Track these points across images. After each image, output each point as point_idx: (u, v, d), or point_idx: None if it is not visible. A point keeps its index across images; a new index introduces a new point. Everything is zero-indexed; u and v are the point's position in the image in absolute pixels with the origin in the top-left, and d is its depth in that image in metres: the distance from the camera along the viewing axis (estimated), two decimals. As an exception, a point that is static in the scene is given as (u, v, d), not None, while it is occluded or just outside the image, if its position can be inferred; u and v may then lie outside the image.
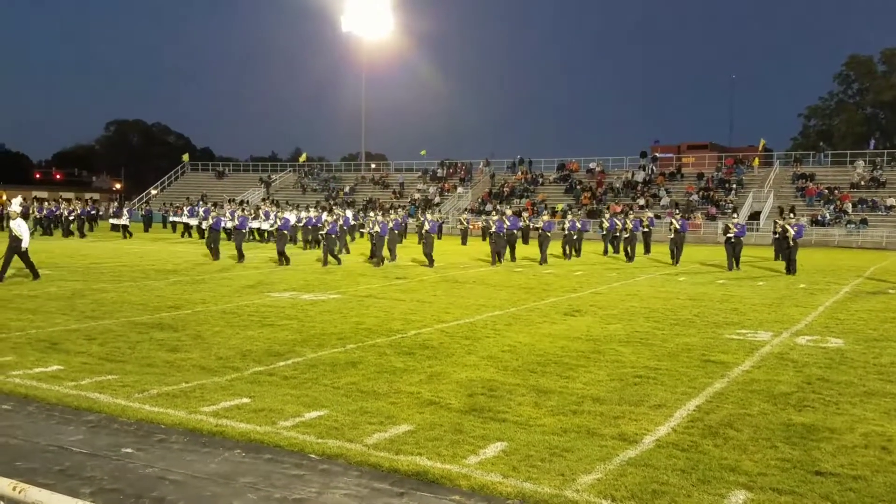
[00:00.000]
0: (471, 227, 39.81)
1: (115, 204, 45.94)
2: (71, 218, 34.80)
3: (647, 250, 28.37)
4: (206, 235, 22.60)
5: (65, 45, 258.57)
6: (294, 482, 4.80)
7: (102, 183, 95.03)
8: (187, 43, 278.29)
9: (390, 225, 23.45)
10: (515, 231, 24.97)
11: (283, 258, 20.65)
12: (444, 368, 8.04)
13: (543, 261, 23.06)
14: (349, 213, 32.28)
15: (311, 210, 28.41)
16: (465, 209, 49.35)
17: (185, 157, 69.89)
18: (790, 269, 20.21)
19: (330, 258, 21.07)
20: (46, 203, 38.55)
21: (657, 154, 56.32)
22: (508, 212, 26.70)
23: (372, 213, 26.63)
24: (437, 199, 53.71)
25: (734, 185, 47.67)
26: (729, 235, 21.79)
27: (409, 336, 10.02)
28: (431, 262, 21.03)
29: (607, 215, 31.95)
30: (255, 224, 31.86)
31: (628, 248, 25.16)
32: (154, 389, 6.93)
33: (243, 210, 24.20)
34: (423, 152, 63.32)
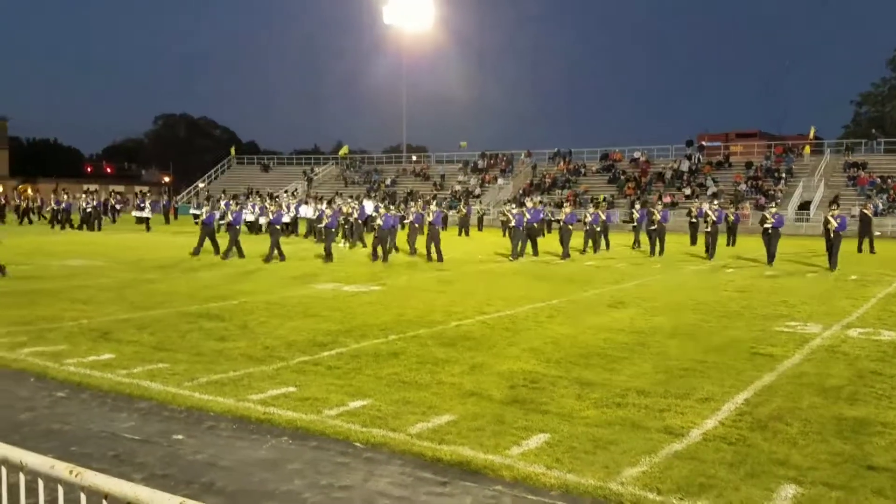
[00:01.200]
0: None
1: (139, 197, 45.43)
2: (88, 210, 33.60)
3: (693, 241, 27.62)
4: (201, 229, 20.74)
5: (112, 41, 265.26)
6: (340, 469, 4.87)
7: (151, 176, 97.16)
8: (230, 37, 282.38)
9: (430, 218, 22.92)
10: (536, 224, 23.62)
11: (275, 252, 19.04)
12: (485, 360, 8.05)
13: (565, 255, 21.65)
14: (368, 204, 30.94)
15: (337, 202, 28.09)
16: (506, 200, 49.16)
17: (232, 150, 71.07)
18: (831, 263, 18.67)
19: (327, 253, 19.64)
20: (66, 195, 37.54)
21: (704, 143, 55.22)
22: (529, 204, 25.01)
23: (413, 204, 25.53)
24: (477, 191, 53.63)
25: (783, 175, 46.49)
26: (766, 226, 20.11)
27: (451, 327, 10.04)
28: (440, 256, 19.88)
29: (637, 206, 29.92)
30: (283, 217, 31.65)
31: (656, 240, 23.31)
32: (203, 378, 7.10)
33: (237, 204, 22.58)
34: (462, 144, 63.28)
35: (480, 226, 41.29)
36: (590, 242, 24.58)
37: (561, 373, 7.47)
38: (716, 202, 24.88)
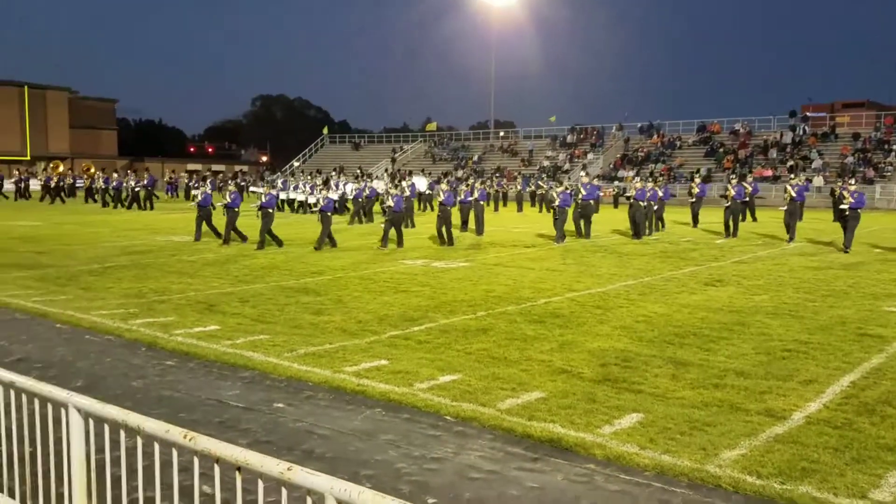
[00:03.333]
0: (602, 194, 38.87)
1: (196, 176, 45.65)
2: (137, 189, 32.97)
3: (754, 217, 25.72)
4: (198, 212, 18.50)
5: (213, 27, 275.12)
6: (431, 442, 4.97)
7: (250, 156, 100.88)
8: (323, 20, 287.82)
9: (475, 195, 21.85)
10: (592, 202, 21.06)
11: (272, 238, 17.27)
12: (575, 337, 7.98)
13: (636, 235, 20.07)
14: (378, 185, 29.84)
15: (369, 181, 27.43)
16: (596, 176, 48.19)
17: (325, 130, 72.71)
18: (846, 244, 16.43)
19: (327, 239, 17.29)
20: (115, 174, 38.17)
21: (808, 113, 52.20)
22: (585, 179, 21.93)
23: (443, 185, 22.43)
24: (566, 166, 52.80)
25: (895, 146, 43.41)
26: (843, 207, 16.96)
27: (539, 304, 10.00)
28: (451, 239, 18.00)
29: (697, 180, 26.83)
30: (301, 196, 30.87)
31: (729, 221, 20.47)
32: (301, 349, 7.38)
33: (237, 186, 20.79)
34: (552, 119, 62.27)
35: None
36: (638, 221, 21.02)
37: (654, 352, 7.32)
38: (852, 183, 22.52)
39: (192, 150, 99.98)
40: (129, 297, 10.35)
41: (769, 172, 43.62)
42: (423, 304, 9.90)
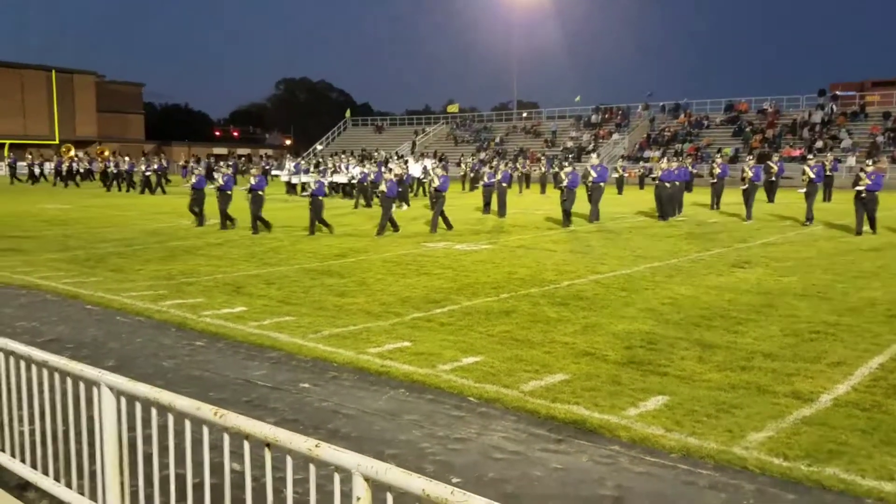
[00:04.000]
0: (627, 175, 38.45)
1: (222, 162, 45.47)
2: (147, 173, 32.55)
3: (772, 199, 24.90)
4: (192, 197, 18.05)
5: (236, 11, 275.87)
6: (455, 422, 5.00)
7: (274, 140, 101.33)
8: (342, 2, 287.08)
9: (498, 177, 21.54)
10: (602, 184, 19.79)
11: (263, 222, 16.75)
12: (599, 320, 7.95)
13: (661, 216, 19.68)
14: (415, 169, 29.39)
15: (369, 165, 26.87)
16: (621, 156, 47.72)
17: (348, 112, 72.75)
18: (871, 226, 15.97)
19: (318, 224, 16.57)
20: (127, 158, 37.87)
21: (838, 92, 51.08)
22: (595, 160, 20.78)
23: (438, 169, 20.44)
24: (590, 147, 52.33)
25: (929, 125, 42.38)
26: (859, 188, 15.83)
27: (563, 287, 9.96)
28: (435, 226, 17.02)
29: (719, 160, 25.28)
30: (335, 178, 29.93)
31: (747, 203, 19.51)
32: (326, 331, 7.44)
33: (228, 167, 19.67)
34: (577, 98, 61.73)
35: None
36: (661, 203, 20.36)
37: (681, 334, 7.27)
38: (750, 160, 21.81)
39: (217, 133, 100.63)
40: (158, 279, 10.50)
41: (798, 152, 42.85)
42: (446, 287, 9.92)
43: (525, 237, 16.08)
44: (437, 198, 17.22)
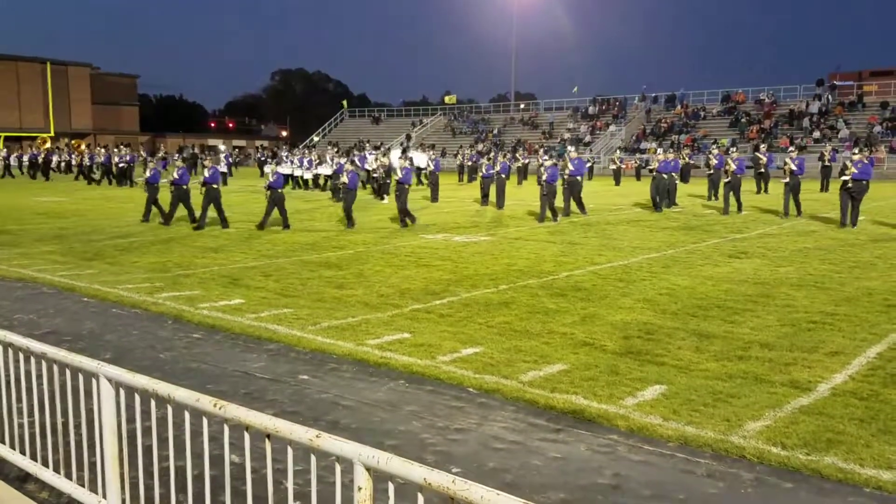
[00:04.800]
0: (624, 166, 38.44)
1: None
2: (121, 165, 32.31)
3: (766, 189, 24.91)
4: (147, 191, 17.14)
5: (229, 0, 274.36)
6: (455, 413, 5.00)
7: (270, 131, 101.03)
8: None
9: (497, 168, 21.19)
10: (579, 178, 19.12)
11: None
12: (597, 310, 7.96)
13: (657, 207, 19.59)
14: (421, 159, 29.05)
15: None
16: (618, 148, 47.68)
17: (344, 104, 72.53)
18: (852, 217, 15.46)
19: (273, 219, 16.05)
20: (104, 149, 37.63)
21: (836, 82, 51.08)
22: (573, 153, 19.65)
23: (403, 161, 18.88)
24: (587, 138, 52.27)
25: (927, 115, 42.39)
26: (845, 178, 15.40)
27: (561, 278, 9.97)
28: (404, 220, 16.45)
29: (715, 151, 25.05)
30: (319, 170, 29.90)
31: (729, 195, 18.99)
32: (325, 322, 7.44)
33: (184, 161, 19.12)
34: (575, 89, 61.58)
35: (590, 175, 40.36)
36: (657, 195, 20.35)
37: (678, 324, 7.28)
38: (734, 151, 21.61)
39: (212, 125, 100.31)
40: (155, 272, 10.48)
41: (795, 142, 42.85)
42: (445, 278, 9.92)
43: (523, 229, 16.07)
44: (401, 191, 16.49)
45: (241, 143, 77.33)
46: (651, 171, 21.23)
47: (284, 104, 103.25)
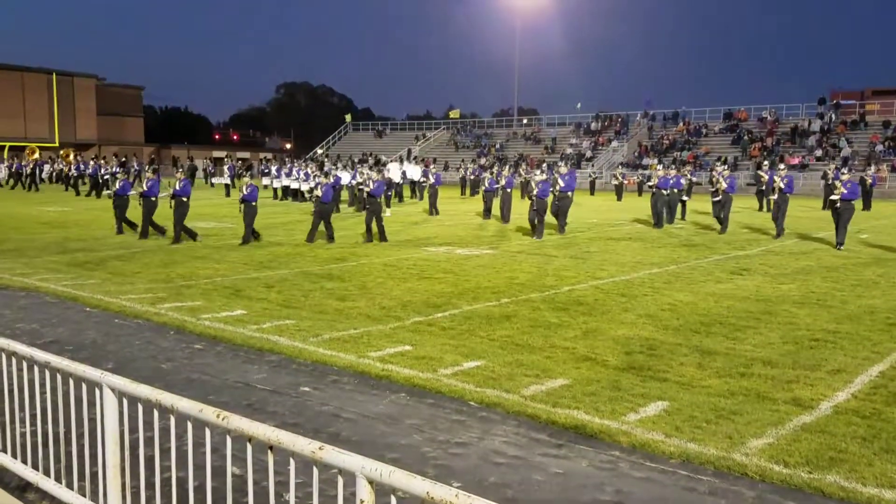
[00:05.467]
0: (626, 182, 38.52)
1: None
2: (105, 177, 32.01)
3: (767, 207, 24.08)
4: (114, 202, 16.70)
5: (237, 13, 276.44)
6: (456, 427, 4.99)
7: (274, 144, 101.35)
8: (342, 6, 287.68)
9: (502, 182, 21.16)
10: (570, 193, 18.37)
11: (186, 231, 15.60)
12: (599, 325, 7.95)
13: (657, 224, 19.52)
14: (414, 172, 29.01)
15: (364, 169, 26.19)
16: (620, 164, 47.79)
17: (348, 117, 72.81)
18: (837, 236, 15.19)
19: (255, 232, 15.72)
20: (92, 161, 37.21)
21: (838, 101, 51.26)
22: (563, 169, 19.03)
23: (373, 173, 18.04)
24: (589, 154, 52.40)
25: (929, 134, 42.48)
26: (834, 198, 15.18)
27: (563, 292, 9.97)
28: (370, 235, 15.87)
29: (720, 168, 23.50)
30: (294, 184, 29.58)
31: (720, 215, 18.30)
32: (326, 334, 7.44)
33: (126, 173, 18.40)
34: (578, 105, 61.88)
35: (592, 190, 40.46)
36: (662, 210, 20.17)
37: (680, 340, 7.27)
38: (721, 167, 20.99)
39: (217, 137, 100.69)
40: (157, 282, 10.49)
41: (796, 160, 42.96)
42: (447, 291, 9.92)
43: (525, 242, 16.09)
44: (371, 204, 15.85)
45: (245, 155, 77.51)
46: (651, 187, 21.23)
47: (289, 117, 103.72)
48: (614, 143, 53.24)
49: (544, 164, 25.04)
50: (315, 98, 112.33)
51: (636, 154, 50.74)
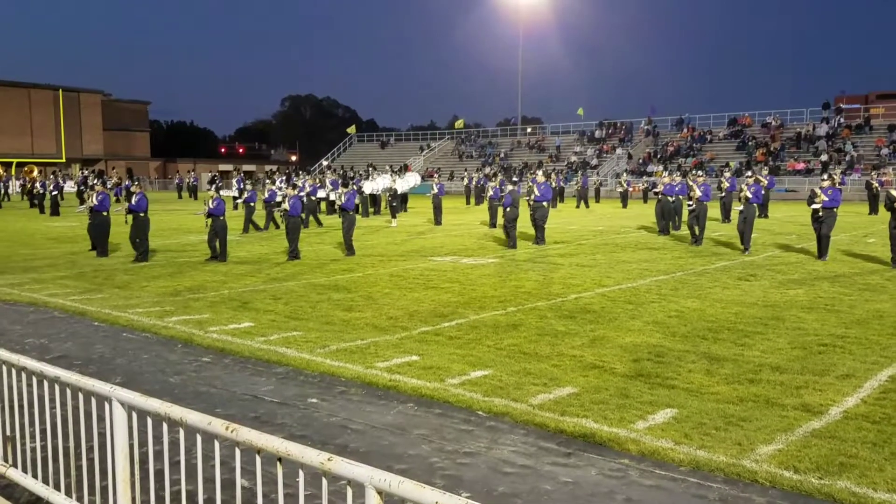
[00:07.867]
0: (631, 189, 38.48)
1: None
2: (55, 193, 31.64)
3: (766, 214, 24.22)
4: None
5: (240, 29, 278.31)
6: (464, 436, 4.99)
7: (280, 156, 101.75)
8: (346, 19, 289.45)
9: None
10: (545, 203, 17.69)
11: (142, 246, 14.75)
12: (606, 333, 7.94)
13: (662, 231, 19.33)
14: (382, 181, 28.27)
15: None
16: (625, 171, 47.75)
17: (352, 129, 73.05)
18: (819, 249, 14.33)
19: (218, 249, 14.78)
20: (53, 176, 37.03)
21: (842, 105, 51.17)
22: (541, 178, 18.29)
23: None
24: (594, 161, 52.40)
25: (935, 137, 42.33)
26: (815, 207, 14.24)
27: (570, 300, 9.96)
28: (350, 249, 15.46)
29: (727, 174, 24.15)
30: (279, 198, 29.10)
31: (694, 227, 16.96)
32: (333, 345, 7.45)
33: (104, 186, 17.48)
34: (580, 111, 61.93)
35: (598, 197, 40.42)
36: (665, 219, 19.78)
37: (688, 347, 7.26)
38: (698, 174, 20.79)
39: (223, 150, 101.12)
40: (165, 296, 10.53)
41: (801, 165, 42.88)
42: (453, 301, 9.93)
43: (531, 250, 16.08)
44: (345, 217, 15.53)
45: (251, 167, 77.79)
46: (656, 193, 21.16)
47: (294, 129, 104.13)
48: (619, 151, 53.22)
49: (510, 176, 24.16)
50: (320, 110, 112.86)
51: (641, 161, 50.71)
